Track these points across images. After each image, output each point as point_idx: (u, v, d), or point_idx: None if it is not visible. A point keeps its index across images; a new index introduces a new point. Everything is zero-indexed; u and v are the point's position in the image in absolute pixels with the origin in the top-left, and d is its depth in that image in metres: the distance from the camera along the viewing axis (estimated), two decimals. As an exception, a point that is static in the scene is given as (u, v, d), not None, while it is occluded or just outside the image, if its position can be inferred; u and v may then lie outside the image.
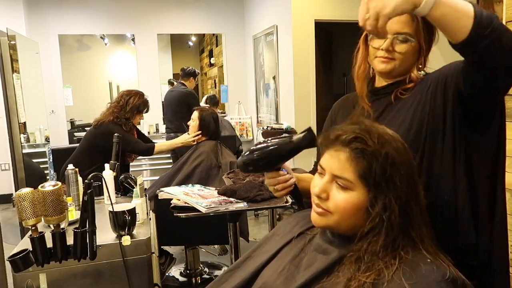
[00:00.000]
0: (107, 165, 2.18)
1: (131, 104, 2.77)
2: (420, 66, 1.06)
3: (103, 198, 2.18)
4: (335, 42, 5.51)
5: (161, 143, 3.14)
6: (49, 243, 1.26)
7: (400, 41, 1.02)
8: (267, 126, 4.37)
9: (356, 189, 0.82)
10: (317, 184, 0.88)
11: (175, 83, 4.94)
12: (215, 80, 6.75)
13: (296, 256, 0.96)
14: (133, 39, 5.68)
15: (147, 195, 2.31)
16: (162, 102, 5.87)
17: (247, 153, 1.00)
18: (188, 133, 2.92)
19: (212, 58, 6.74)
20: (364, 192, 0.82)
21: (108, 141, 2.37)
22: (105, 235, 1.70)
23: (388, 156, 0.80)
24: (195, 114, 2.87)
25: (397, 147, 0.82)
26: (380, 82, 1.13)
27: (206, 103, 4.95)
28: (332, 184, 0.85)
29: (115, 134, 2.37)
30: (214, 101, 4.96)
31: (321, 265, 0.87)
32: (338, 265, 0.85)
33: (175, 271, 2.91)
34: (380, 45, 1.05)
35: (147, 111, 2.90)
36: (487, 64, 0.83)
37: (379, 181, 0.80)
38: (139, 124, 2.93)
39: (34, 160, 4.07)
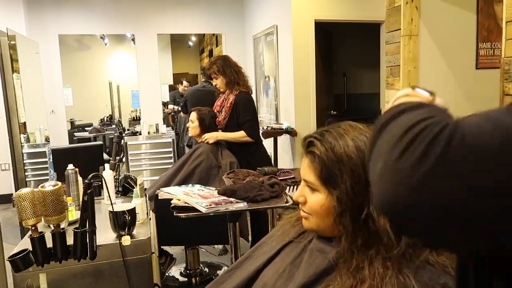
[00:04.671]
0: (107, 165, 2.18)
1: None
2: None
3: (103, 198, 2.18)
4: (335, 42, 5.51)
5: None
6: (49, 243, 1.26)
7: None
8: (267, 126, 4.37)
9: (320, 190, 0.88)
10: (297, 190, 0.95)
11: (201, 81, 4.74)
12: (215, 80, 6.75)
13: (297, 257, 0.96)
14: (133, 39, 5.68)
15: (147, 195, 2.31)
16: (162, 102, 5.89)
17: None
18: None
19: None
20: (326, 191, 0.87)
21: None
22: (105, 235, 1.71)
23: (334, 157, 0.85)
24: (193, 116, 2.86)
25: (349, 147, 0.85)
26: None
27: None
28: (306, 188, 0.92)
29: (115, 134, 2.37)
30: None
31: (321, 265, 0.88)
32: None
33: (175, 271, 2.91)
34: None
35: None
36: None
37: (327, 180, 0.86)
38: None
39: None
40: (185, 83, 5.94)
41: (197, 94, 4.30)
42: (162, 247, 2.62)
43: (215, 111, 2.93)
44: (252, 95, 3.05)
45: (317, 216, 0.90)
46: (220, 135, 2.84)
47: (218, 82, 2.86)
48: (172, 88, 6.26)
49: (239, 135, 2.83)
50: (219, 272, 2.89)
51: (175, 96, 6.02)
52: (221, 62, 2.83)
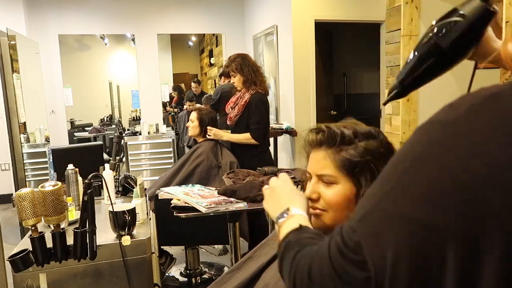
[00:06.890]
0: (107, 165, 2.18)
1: None
2: None
3: (103, 198, 2.18)
4: (335, 42, 5.51)
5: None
6: (49, 243, 1.26)
7: None
8: (267, 126, 4.36)
9: (340, 181, 0.88)
10: (307, 188, 0.93)
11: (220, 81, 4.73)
12: (215, 80, 6.75)
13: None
14: (133, 39, 5.68)
15: (147, 195, 2.31)
16: (162, 102, 5.89)
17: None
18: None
19: (212, 58, 6.74)
20: (348, 181, 0.87)
21: None
22: (105, 235, 1.70)
23: (353, 144, 0.87)
24: (193, 115, 2.86)
25: (365, 133, 0.88)
26: None
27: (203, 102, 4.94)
28: (319, 184, 0.90)
29: (115, 134, 2.37)
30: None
31: None
32: None
33: (175, 271, 2.91)
34: None
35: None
36: None
37: (351, 169, 0.86)
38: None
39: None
40: (193, 84, 5.99)
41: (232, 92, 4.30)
42: (162, 247, 2.62)
43: (229, 107, 2.91)
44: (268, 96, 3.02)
45: (335, 210, 0.88)
46: (226, 136, 2.82)
47: (236, 80, 2.84)
48: (177, 87, 6.33)
49: (244, 137, 2.79)
50: (219, 272, 2.89)
51: (189, 95, 6.06)
52: (240, 60, 2.80)
